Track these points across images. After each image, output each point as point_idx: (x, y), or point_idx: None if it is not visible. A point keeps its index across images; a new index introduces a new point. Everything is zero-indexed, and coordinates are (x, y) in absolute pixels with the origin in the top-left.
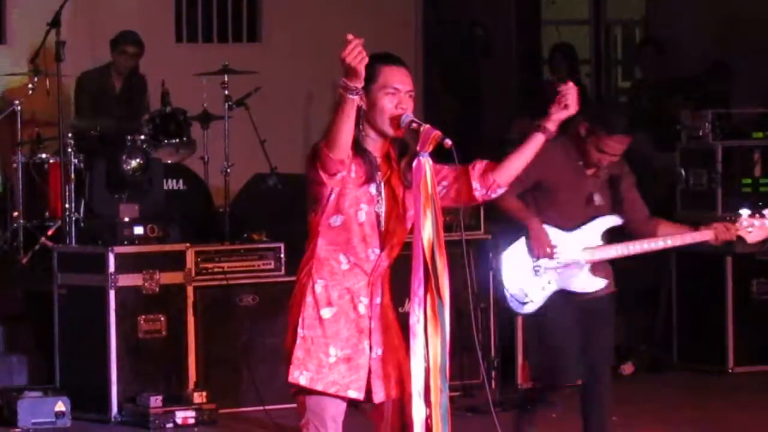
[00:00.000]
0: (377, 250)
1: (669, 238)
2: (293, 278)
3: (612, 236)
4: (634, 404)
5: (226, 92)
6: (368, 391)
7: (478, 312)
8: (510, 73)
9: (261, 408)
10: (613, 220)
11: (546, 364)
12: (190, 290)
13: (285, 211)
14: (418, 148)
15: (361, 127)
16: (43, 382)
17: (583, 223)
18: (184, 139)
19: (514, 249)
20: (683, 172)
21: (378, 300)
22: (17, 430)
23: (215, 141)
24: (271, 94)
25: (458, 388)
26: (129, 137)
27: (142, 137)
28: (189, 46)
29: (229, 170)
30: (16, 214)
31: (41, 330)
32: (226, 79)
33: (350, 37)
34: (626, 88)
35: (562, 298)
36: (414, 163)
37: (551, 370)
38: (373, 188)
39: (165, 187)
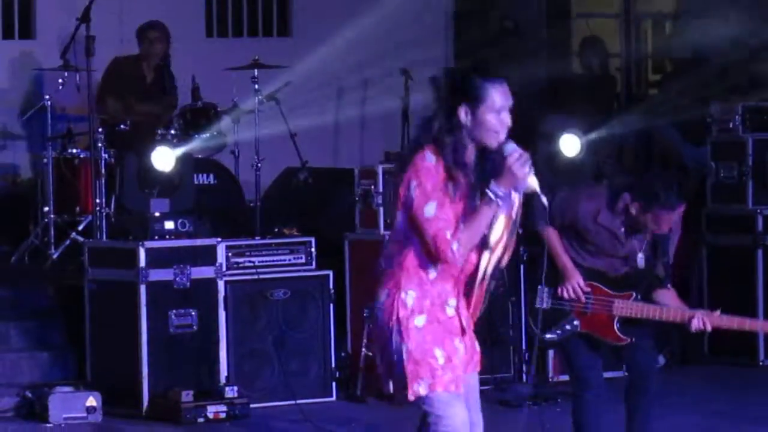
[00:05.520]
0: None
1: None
2: (324, 272)
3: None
4: (665, 397)
5: (257, 86)
6: None
7: (508, 305)
8: (540, 67)
9: (293, 402)
10: None
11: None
12: (221, 285)
13: (316, 205)
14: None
15: (463, 141)
16: (75, 378)
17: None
18: (215, 133)
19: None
20: (714, 165)
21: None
22: (49, 425)
23: (246, 135)
24: (302, 89)
25: (489, 382)
26: (160, 132)
27: (173, 132)
28: (219, 40)
29: (259, 165)
30: (46, 209)
31: (72, 325)
32: (256, 73)
33: (520, 152)
34: (656, 81)
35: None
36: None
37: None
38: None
39: (196, 182)
